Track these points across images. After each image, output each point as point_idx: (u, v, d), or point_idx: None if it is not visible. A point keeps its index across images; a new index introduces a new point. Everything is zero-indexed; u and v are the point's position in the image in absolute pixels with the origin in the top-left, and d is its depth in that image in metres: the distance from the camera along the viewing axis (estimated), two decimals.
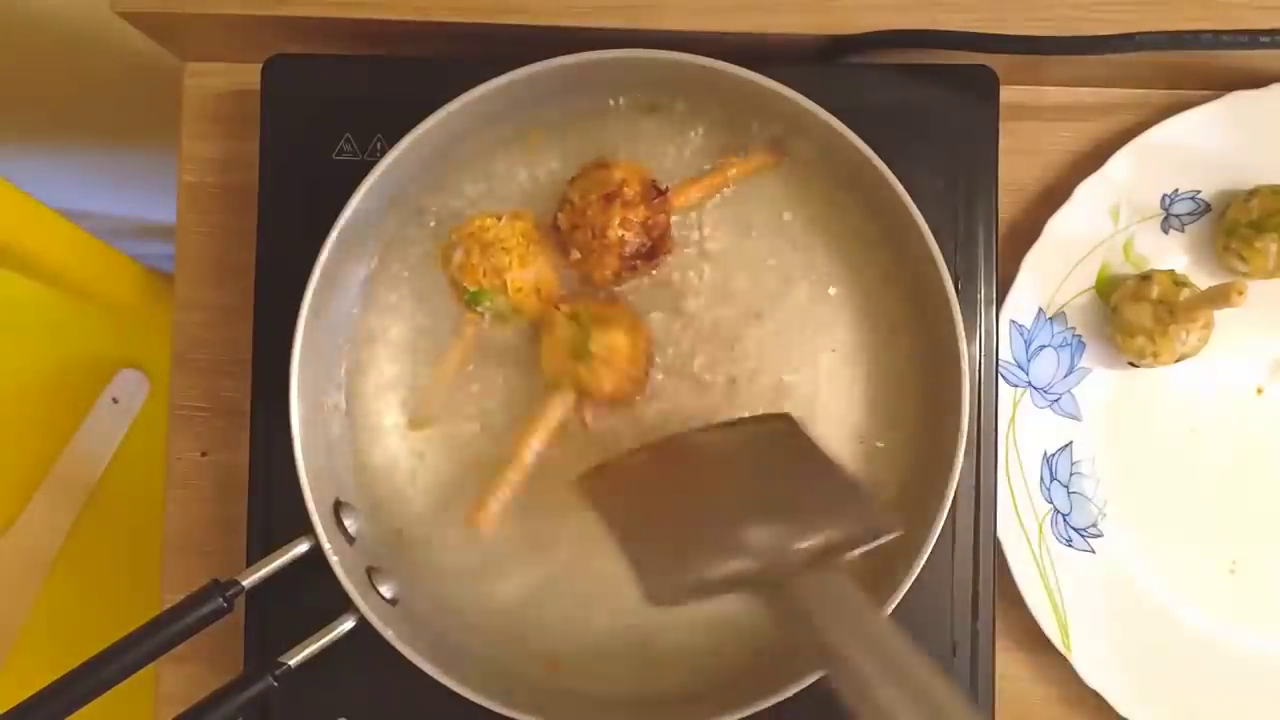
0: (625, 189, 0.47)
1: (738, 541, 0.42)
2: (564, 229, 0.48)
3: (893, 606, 0.45)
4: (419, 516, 0.50)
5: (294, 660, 0.45)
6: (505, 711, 0.45)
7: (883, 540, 0.42)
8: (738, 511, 0.43)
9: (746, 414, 0.49)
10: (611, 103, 0.50)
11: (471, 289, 0.47)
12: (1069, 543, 0.53)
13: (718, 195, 0.50)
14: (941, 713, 0.33)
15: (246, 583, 0.45)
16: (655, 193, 0.48)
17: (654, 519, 0.44)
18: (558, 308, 0.48)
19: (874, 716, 0.34)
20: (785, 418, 0.48)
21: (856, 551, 0.42)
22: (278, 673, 0.45)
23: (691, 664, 0.50)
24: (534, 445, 0.48)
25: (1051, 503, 0.54)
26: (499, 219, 0.48)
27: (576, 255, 0.48)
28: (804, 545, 0.41)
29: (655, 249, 0.48)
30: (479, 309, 0.48)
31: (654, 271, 0.50)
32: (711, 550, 0.42)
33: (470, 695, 0.45)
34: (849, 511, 0.43)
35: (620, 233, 0.47)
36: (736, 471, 0.46)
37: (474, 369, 0.50)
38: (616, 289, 0.50)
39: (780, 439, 0.47)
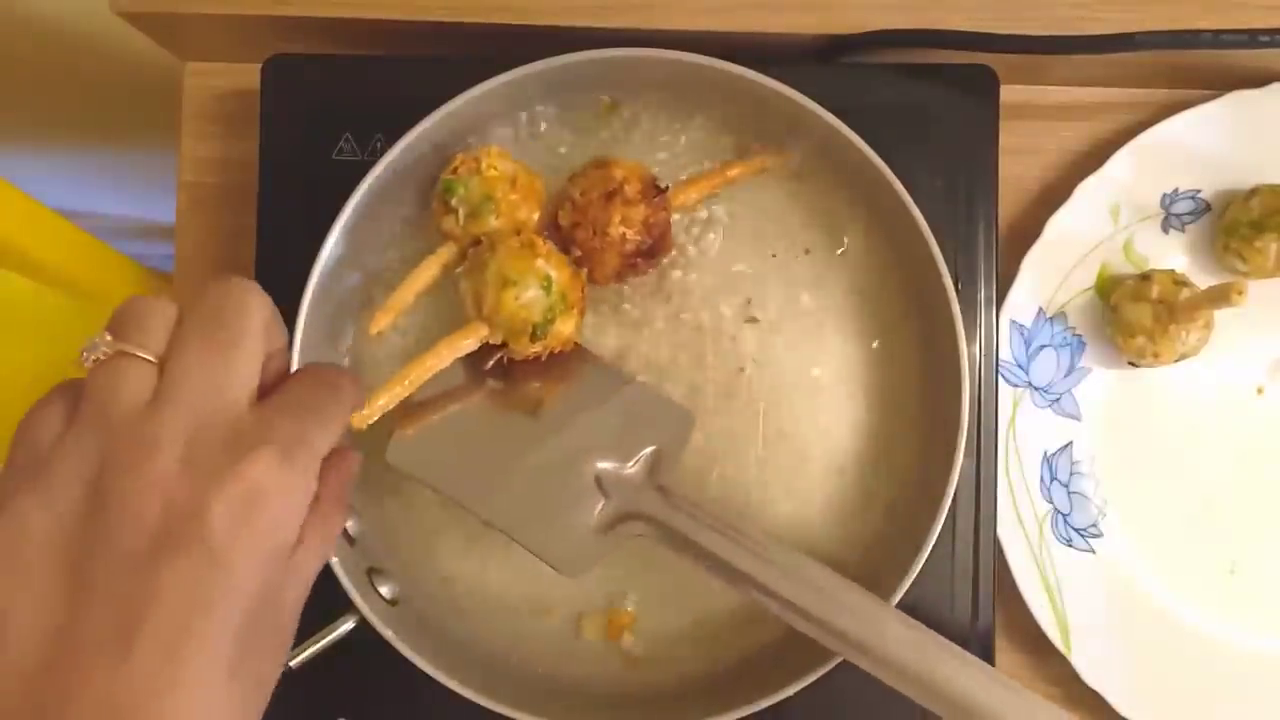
0: (626, 187, 0.47)
1: (592, 485, 0.46)
2: (564, 226, 0.48)
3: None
4: (419, 517, 0.50)
5: (295, 661, 0.45)
6: (506, 711, 0.45)
7: (686, 434, 0.48)
8: (574, 453, 0.46)
9: (743, 412, 0.50)
10: (612, 101, 0.50)
11: (446, 179, 0.47)
12: (1069, 543, 0.53)
13: (718, 195, 0.50)
14: (799, 572, 0.43)
15: None
16: (656, 191, 0.48)
17: (500, 479, 0.46)
18: (540, 238, 0.46)
19: (754, 594, 0.43)
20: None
21: (679, 454, 0.47)
22: None
23: (683, 662, 0.50)
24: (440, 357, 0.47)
25: (1051, 503, 0.54)
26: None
27: (577, 253, 0.48)
28: (635, 468, 0.46)
29: (656, 247, 0.48)
30: (453, 202, 0.46)
31: (654, 270, 0.50)
32: (581, 505, 0.46)
33: (471, 695, 0.45)
34: (651, 418, 0.48)
35: (621, 230, 0.47)
36: (548, 404, 0.48)
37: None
38: (617, 286, 0.50)
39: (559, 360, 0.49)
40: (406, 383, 0.46)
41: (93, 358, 0.31)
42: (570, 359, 0.49)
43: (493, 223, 0.47)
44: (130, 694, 0.28)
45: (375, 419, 0.46)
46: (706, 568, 0.44)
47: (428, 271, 0.48)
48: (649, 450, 0.47)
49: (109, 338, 0.32)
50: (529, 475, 0.46)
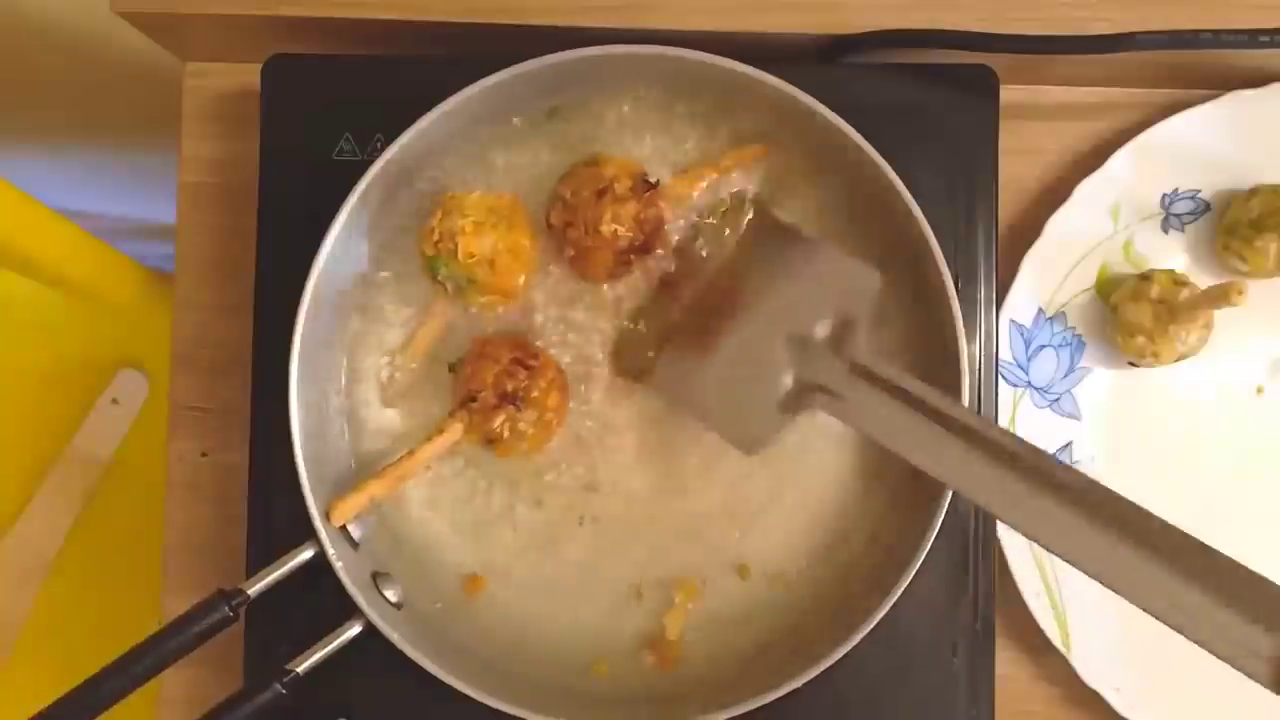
0: (616, 184, 0.47)
1: (782, 360, 0.45)
2: (556, 226, 0.48)
3: (891, 605, 0.45)
4: (420, 518, 0.50)
5: (302, 667, 0.45)
6: (512, 711, 0.45)
7: (872, 295, 0.46)
8: (766, 329, 0.46)
9: None
10: (609, 99, 0.50)
11: (429, 254, 0.47)
12: None
13: (712, 192, 0.50)
14: (1011, 452, 0.40)
15: (252, 591, 0.45)
16: (646, 186, 0.48)
17: (713, 376, 0.47)
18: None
19: (946, 476, 0.41)
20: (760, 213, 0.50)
21: (864, 319, 0.45)
22: (285, 680, 0.45)
23: (685, 663, 0.50)
24: (421, 459, 0.48)
25: None
26: (474, 193, 0.48)
27: (571, 252, 0.48)
28: (821, 337, 0.45)
29: (648, 243, 0.48)
30: (440, 278, 0.48)
31: (648, 266, 0.50)
32: (769, 381, 0.45)
33: (477, 696, 0.45)
34: (836, 282, 0.47)
35: (612, 228, 0.47)
36: (751, 292, 0.48)
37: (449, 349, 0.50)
38: (611, 285, 0.50)
39: (764, 236, 0.49)
40: (378, 488, 0.47)
41: None
42: (763, 228, 0.49)
43: (481, 300, 0.48)
44: None
45: (350, 518, 0.46)
46: (886, 446, 0.43)
47: (429, 332, 0.50)
48: (832, 317, 0.45)
49: None
50: (728, 359, 0.47)
